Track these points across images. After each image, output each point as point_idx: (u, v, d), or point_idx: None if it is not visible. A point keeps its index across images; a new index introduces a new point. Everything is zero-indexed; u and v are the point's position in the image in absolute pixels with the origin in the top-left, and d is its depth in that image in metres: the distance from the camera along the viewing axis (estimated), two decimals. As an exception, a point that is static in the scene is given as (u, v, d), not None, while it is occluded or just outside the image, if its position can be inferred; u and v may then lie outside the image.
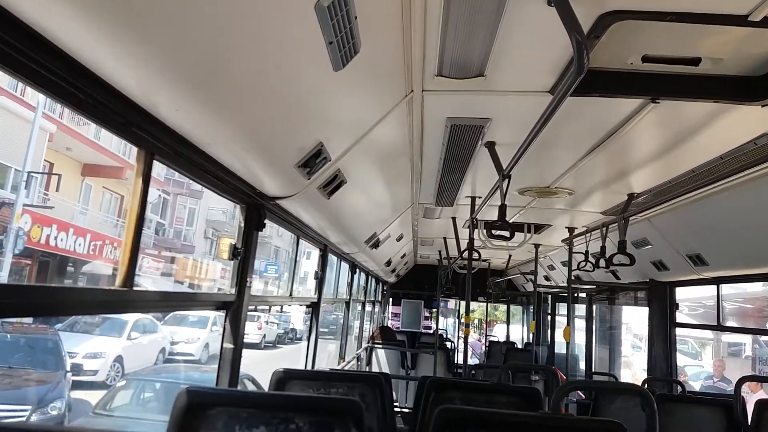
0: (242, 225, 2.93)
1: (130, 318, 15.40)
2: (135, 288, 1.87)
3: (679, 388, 4.54)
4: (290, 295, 4.36)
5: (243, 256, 2.89)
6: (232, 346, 2.79)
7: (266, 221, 3.07)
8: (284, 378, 2.75)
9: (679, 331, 6.22)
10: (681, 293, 6.22)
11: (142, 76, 1.53)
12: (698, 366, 14.13)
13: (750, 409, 3.61)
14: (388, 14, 1.94)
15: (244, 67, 1.70)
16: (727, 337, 13.50)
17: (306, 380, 2.88)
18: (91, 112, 1.56)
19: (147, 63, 1.47)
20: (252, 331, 22.71)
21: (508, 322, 15.25)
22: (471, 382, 4.23)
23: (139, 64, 1.46)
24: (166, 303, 2.33)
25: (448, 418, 1.87)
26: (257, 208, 2.93)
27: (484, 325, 15.53)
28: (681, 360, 14.39)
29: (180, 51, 1.49)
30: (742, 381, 3.95)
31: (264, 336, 23.62)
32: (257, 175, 2.63)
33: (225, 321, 2.81)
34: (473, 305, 12.91)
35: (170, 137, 1.93)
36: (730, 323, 8.43)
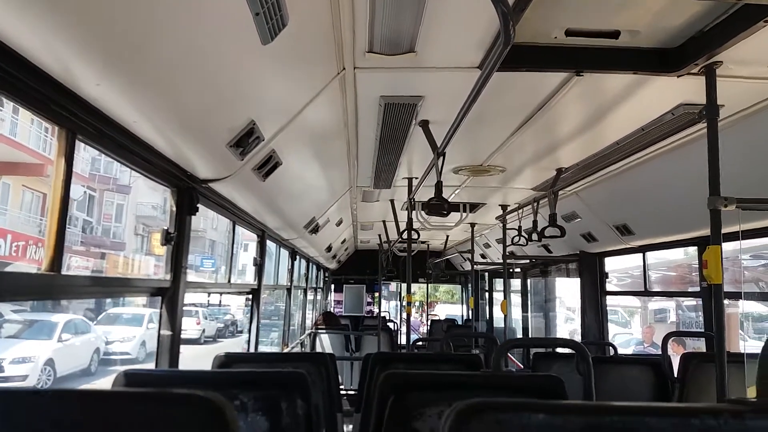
0: (174, 209, 2.85)
1: (60, 319, 14.77)
2: (64, 273, 1.80)
3: (612, 351, 4.76)
4: (229, 281, 4.29)
5: (176, 241, 2.82)
6: (169, 332, 2.72)
7: (200, 206, 3.00)
8: (226, 362, 2.70)
9: (609, 300, 6.52)
10: (609, 265, 6.51)
11: (59, 48, 1.45)
12: (628, 333, 14.82)
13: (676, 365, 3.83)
14: (316, -14, 1.92)
15: (168, 38, 1.65)
16: (654, 305, 14.22)
17: (249, 363, 2.84)
18: (4, 88, 1.47)
19: (63, 33, 1.40)
20: (190, 327, 22.15)
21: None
22: (414, 354, 4.29)
23: (55, 34, 1.39)
24: (97, 288, 2.24)
25: (392, 382, 1.88)
26: (189, 192, 2.86)
27: (425, 306, 15.76)
28: (612, 329, 15.09)
29: (98, 20, 1.42)
30: (668, 337, 4.19)
31: (203, 331, 23.12)
32: (187, 156, 2.56)
33: (161, 307, 2.73)
34: (414, 287, 13.09)
35: (93, 115, 1.85)
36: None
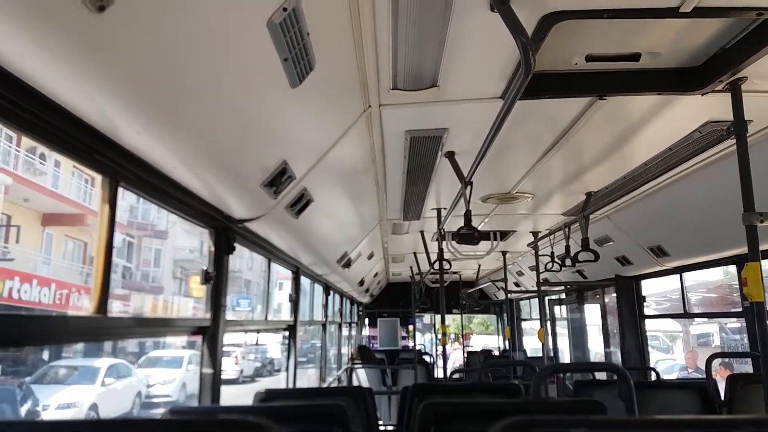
0: (212, 249, 2.93)
1: (103, 364, 14.98)
2: (109, 315, 1.87)
3: (654, 375, 4.64)
4: (266, 319, 4.34)
5: (215, 281, 2.89)
6: (211, 371, 2.77)
7: (236, 245, 3.08)
8: (267, 398, 2.73)
9: (649, 325, 6.38)
10: (646, 289, 6.39)
11: (102, 101, 1.55)
12: (671, 359, 14.37)
13: (722, 388, 3.73)
14: (339, 30, 2.00)
15: (203, 87, 1.74)
16: (696, 329, 13.79)
17: (289, 398, 2.86)
18: (51, 140, 1.57)
19: (105, 88, 1.49)
20: (228, 367, 22.25)
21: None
22: (453, 384, 4.25)
23: (98, 89, 1.48)
24: (141, 329, 2.31)
25: (433, 412, 1.88)
26: (226, 232, 2.94)
27: (461, 338, 15.56)
28: (653, 355, 14.65)
29: (137, 74, 1.51)
30: (711, 358, 4.08)
31: (242, 371, 23.16)
32: (224, 197, 2.65)
33: (202, 346, 2.79)
34: (449, 319, 12.98)
35: (134, 163, 1.94)
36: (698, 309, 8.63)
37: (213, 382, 2.79)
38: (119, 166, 1.91)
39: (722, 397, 3.71)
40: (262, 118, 2.17)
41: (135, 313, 22.91)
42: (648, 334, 6.41)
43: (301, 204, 3.27)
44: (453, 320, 13.31)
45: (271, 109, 2.15)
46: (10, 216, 16.26)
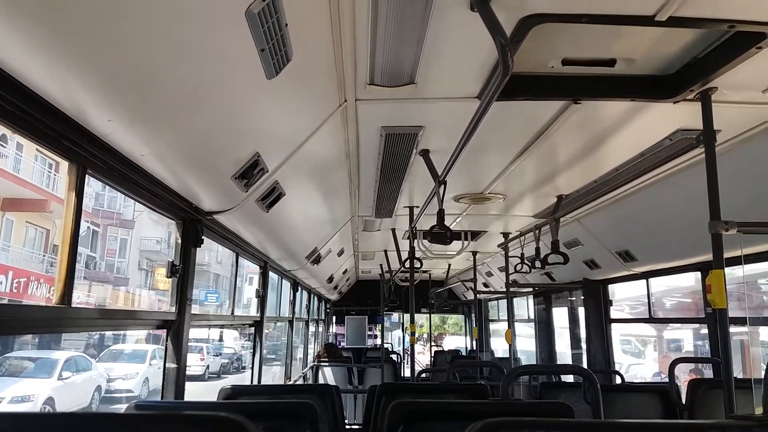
0: (179, 241, 2.86)
1: (61, 356, 14.63)
2: (74, 305, 1.81)
3: (618, 379, 4.71)
4: (232, 314, 4.28)
5: (182, 274, 2.83)
6: (175, 365, 2.71)
7: (204, 238, 3.02)
8: (232, 394, 2.68)
9: (621, 329, 6.47)
10: (621, 293, 6.47)
11: (71, 85, 1.49)
12: (640, 364, 14.57)
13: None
14: (318, 21, 1.97)
15: (177, 74, 1.69)
16: (669, 334, 14.01)
17: (254, 395, 2.82)
18: (16, 122, 1.51)
19: (74, 71, 1.44)
20: (194, 363, 21.98)
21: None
22: (420, 384, 4.25)
23: (66, 71, 1.43)
24: (105, 321, 2.24)
25: (402, 412, 1.87)
26: (194, 224, 2.88)
27: (431, 338, 15.63)
28: (626, 359, 14.89)
29: (109, 60, 1.46)
30: (674, 363, 4.15)
31: (207, 367, 22.86)
32: (193, 189, 2.59)
33: (166, 340, 2.73)
34: (420, 319, 13.02)
35: (103, 150, 1.88)
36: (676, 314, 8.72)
37: (177, 377, 2.74)
38: (87, 153, 1.85)
39: (684, 401, 3.78)
40: (237, 108, 2.12)
41: (99, 304, 22.43)
42: (620, 338, 6.51)
43: (272, 198, 3.23)
44: (426, 319, 13.36)
45: (245, 100, 2.11)
46: None
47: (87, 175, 1.89)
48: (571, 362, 7.60)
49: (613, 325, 6.45)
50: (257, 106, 2.23)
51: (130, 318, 2.60)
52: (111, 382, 16.44)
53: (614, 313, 6.46)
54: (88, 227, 23.66)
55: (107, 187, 2.16)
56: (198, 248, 2.93)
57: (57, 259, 1.82)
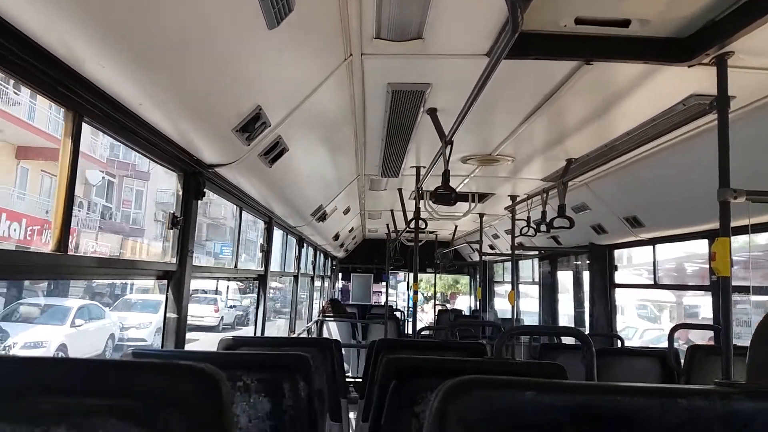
0: (180, 194, 2.86)
1: (74, 304, 14.89)
2: (70, 252, 1.81)
3: (619, 343, 4.74)
4: (235, 267, 4.31)
5: (183, 225, 2.83)
6: (175, 315, 2.74)
7: (207, 191, 3.02)
8: (233, 345, 2.72)
9: (639, 294, 6.48)
10: (638, 257, 6.42)
11: (63, 28, 1.45)
12: (658, 329, 14.55)
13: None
14: (321, -30, 1.91)
15: (173, 18, 1.64)
16: (688, 300, 13.93)
17: (255, 346, 2.86)
18: (10, 67, 1.48)
19: (66, 12, 1.40)
20: (208, 314, 22.42)
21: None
22: (419, 340, 4.30)
23: (59, 13, 1.39)
24: (103, 269, 2.25)
25: (395, 367, 1.89)
26: (195, 176, 2.87)
27: (435, 298, 15.74)
28: (641, 324, 14.89)
29: (101, 2, 1.42)
30: (675, 329, 4.16)
31: (222, 318, 23.22)
32: (194, 141, 2.57)
33: (167, 291, 2.76)
34: (429, 277, 13.08)
35: (98, 97, 1.85)
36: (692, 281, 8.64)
37: (177, 327, 2.77)
38: (83, 100, 1.82)
39: (682, 366, 3.80)
40: (236, 58, 2.08)
41: (113, 255, 22.69)
42: (637, 302, 6.54)
43: (275, 152, 3.20)
44: (440, 279, 13.43)
45: (245, 50, 2.06)
46: None
47: (84, 123, 1.87)
48: (574, 325, 7.65)
49: (631, 290, 6.42)
50: (258, 58, 2.18)
51: (129, 267, 2.62)
52: (125, 331, 16.66)
53: (632, 278, 6.43)
54: (104, 177, 23.66)
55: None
56: (200, 200, 2.93)
57: (53, 205, 1.81)
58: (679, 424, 0.71)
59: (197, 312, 22.14)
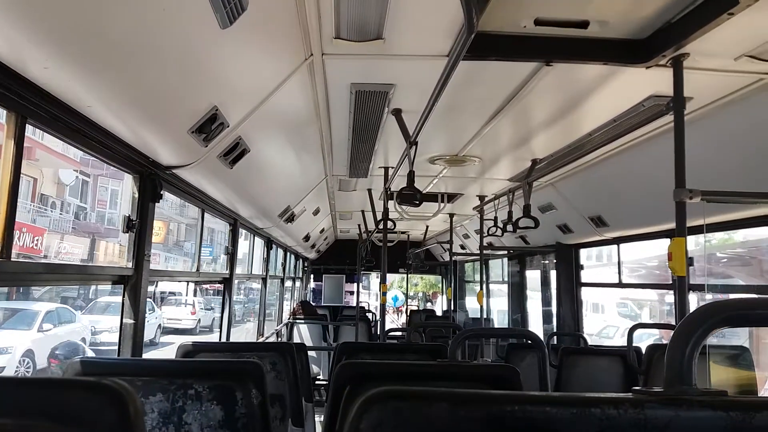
0: (136, 196, 2.79)
1: (41, 308, 14.50)
2: (14, 259, 1.74)
3: (582, 342, 4.79)
4: (197, 270, 4.23)
5: (139, 229, 2.76)
6: (132, 321, 2.68)
7: (165, 193, 2.95)
8: (192, 351, 2.67)
9: (621, 294, 6.53)
10: (623, 255, 6.46)
11: (5, 29, 1.39)
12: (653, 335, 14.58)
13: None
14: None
15: (120, 18, 1.59)
16: (670, 298, 14.00)
17: (215, 352, 2.81)
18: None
19: (8, 15, 1.34)
20: (185, 317, 22.20)
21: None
22: (381, 343, 4.29)
23: (0, 15, 1.33)
24: (52, 276, 2.18)
25: (348, 372, 1.87)
26: (151, 178, 2.80)
27: (406, 301, 15.76)
28: (622, 322, 15.00)
29: (45, 1, 1.37)
30: (633, 328, 4.22)
31: (199, 321, 22.87)
32: (148, 142, 2.50)
33: (123, 296, 2.69)
34: (414, 278, 13.04)
35: (43, 99, 1.79)
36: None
37: (135, 333, 2.70)
38: (26, 102, 1.76)
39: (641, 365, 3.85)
40: (189, 58, 2.03)
41: (86, 257, 22.17)
42: (618, 301, 6.58)
43: (235, 153, 3.14)
44: (422, 279, 13.43)
45: (199, 50, 2.01)
46: None
47: (28, 125, 1.80)
48: (542, 323, 7.72)
49: (613, 289, 6.42)
50: (213, 58, 2.13)
51: (81, 273, 2.55)
52: (96, 335, 16.20)
53: (612, 276, 6.44)
54: (77, 177, 23.07)
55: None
56: (156, 203, 2.86)
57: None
58: None
59: (174, 315, 21.92)
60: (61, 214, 21.67)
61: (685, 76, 2.53)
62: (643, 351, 4.03)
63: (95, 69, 1.76)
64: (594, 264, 7.02)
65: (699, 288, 3.95)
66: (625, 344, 4.00)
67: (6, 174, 1.77)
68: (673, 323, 4.71)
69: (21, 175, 1.84)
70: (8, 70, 1.62)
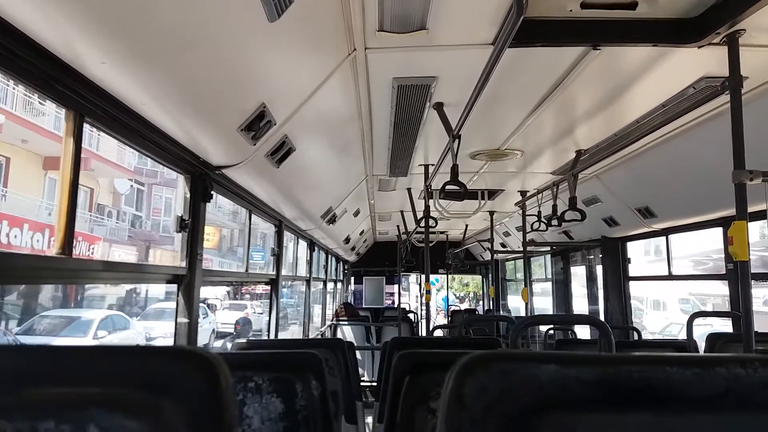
0: (188, 196, 2.84)
1: (96, 315, 14.81)
2: (75, 256, 1.79)
3: (635, 335, 4.66)
4: (246, 271, 4.28)
5: (191, 229, 2.81)
6: (186, 320, 2.72)
7: (214, 193, 2.99)
8: (247, 347, 2.70)
9: (685, 287, 6.35)
10: (684, 248, 6.24)
11: (62, 24, 1.43)
12: (707, 324, 14.20)
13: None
14: (321, -41, 1.88)
15: (173, 17, 1.61)
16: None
17: (269, 349, 2.83)
18: (7, 65, 1.46)
19: (67, 12, 1.37)
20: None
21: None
22: (432, 338, 4.26)
23: (60, 13, 1.37)
24: (110, 274, 2.23)
25: (407, 363, 1.85)
26: (202, 178, 2.84)
27: (446, 299, 15.65)
28: (685, 319, 14.51)
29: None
30: (693, 317, 4.08)
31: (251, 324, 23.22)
32: (199, 141, 2.54)
33: (177, 295, 2.73)
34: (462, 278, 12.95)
35: (100, 96, 1.83)
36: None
37: (189, 332, 2.74)
38: (83, 99, 1.80)
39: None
40: (238, 54, 2.05)
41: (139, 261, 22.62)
42: (679, 298, 6.40)
43: (281, 152, 3.17)
44: (472, 279, 13.34)
45: (247, 45, 2.03)
46: (9, 158, 15.74)
47: (85, 123, 1.84)
48: (588, 321, 7.55)
49: (676, 283, 6.25)
50: (260, 53, 2.15)
51: (137, 272, 2.60)
52: (150, 341, 16.42)
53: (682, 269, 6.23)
54: (132, 186, 23.58)
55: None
56: (207, 203, 2.90)
57: (56, 208, 1.79)
58: (719, 394, 0.66)
59: (228, 319, 22.26)
60: (117, 222, 22.20)
61: (740, 54, 2.44)
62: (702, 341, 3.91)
63: (149, 65, 1.79)
64: (653, 259, 6.81)
65: (763, 276, 3.81)
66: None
67: (66, 172, 1.82)
68: (730, 311, 4.56)
69: (79, 175, 1.89)
70: (66, 68, 1.66)
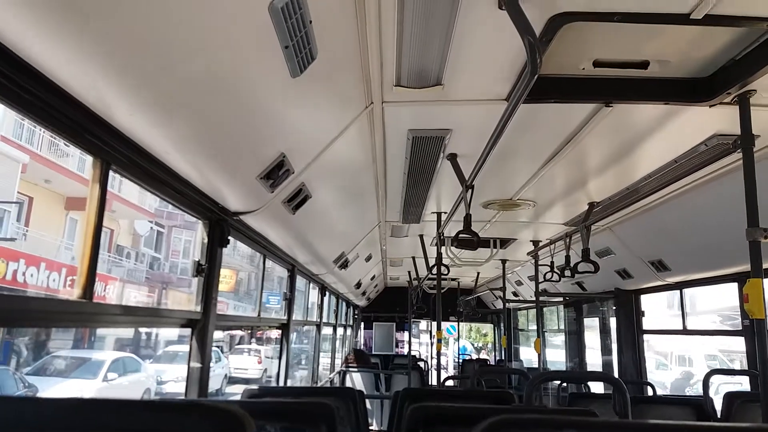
0: (205, 241, 2.88)
1: (107, 357, 14.58)
2: (95, 300, 1.82)
3: (650, 391, 4.57)
4: (258, 316, 4.29)
5: (207, 273, 2.84)
6: (199, 365, 2.72)
7: (231, 238, 3.04)
8: (257, 394, 2.69)
9: (711, 344, 6.25)
10: (702, 302, 6.20)
11: (93, 77, 1.50)
12: (736, 383, 13.76)
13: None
14: (343, 19, 1.96)
15: (199, 70, 1.69)
16: None
17: (279, 395, 2.82)
18: (40, 116, 1.52)
19: (98, 64, 1.45)
20: (252, 366, 22.43)
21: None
22: (444, 389, 4.21)
23: (90, 64, 1.44)
24: (128, 318, 2.25)
25: (422, 415, 1.84)
26: (220, 224, 2.90)
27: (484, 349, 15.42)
28: (715, 377, 14.13)
29: (131, 52, 1.47)
30: (709, 375, 4.00)
31: (265, 370, 22.91)
32: (219, 188, 2.60)
33: (191, 339, 2.74)
34: (484, 328, 12.78)
35: (126, 145, 1.90)
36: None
37: (201, 377, 2.75)
38: (110, 148, 1.87)
39: (719, 415, 3.64)
40: (261, 106, 2.12)
41: (156, 304, 22.51)
42: (708, 354, 6.26)
43: (298, 199, 3.22)
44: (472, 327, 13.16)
45: (269, 98, 2.11)
46: (32, 197, 15.93)
47: (111, 171, 1.91)
48: (601, 374, 7.42)
49: (701, 339, 6.19)
50: (282, 106, 2.23)
51: (153, 315, 2.62)
52: (162, 385, 16.08)
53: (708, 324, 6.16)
54: (152, 228, 23.74)
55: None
56: (224, 248, 2.95)
57: (79, 252, 1.83)
58: None
59: (241, 364, 22.10)
60: (135, 264, 22.25)
61: (752, 113, 2.48)
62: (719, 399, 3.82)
63: (175, 116, 1.86)
64: (676, 313, 6.70)
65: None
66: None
67: (91, 218, 1.87)
68: (747, 369, 4.47)
69: (102, 221, 1.93)
70: (96, 118, 1.73)
